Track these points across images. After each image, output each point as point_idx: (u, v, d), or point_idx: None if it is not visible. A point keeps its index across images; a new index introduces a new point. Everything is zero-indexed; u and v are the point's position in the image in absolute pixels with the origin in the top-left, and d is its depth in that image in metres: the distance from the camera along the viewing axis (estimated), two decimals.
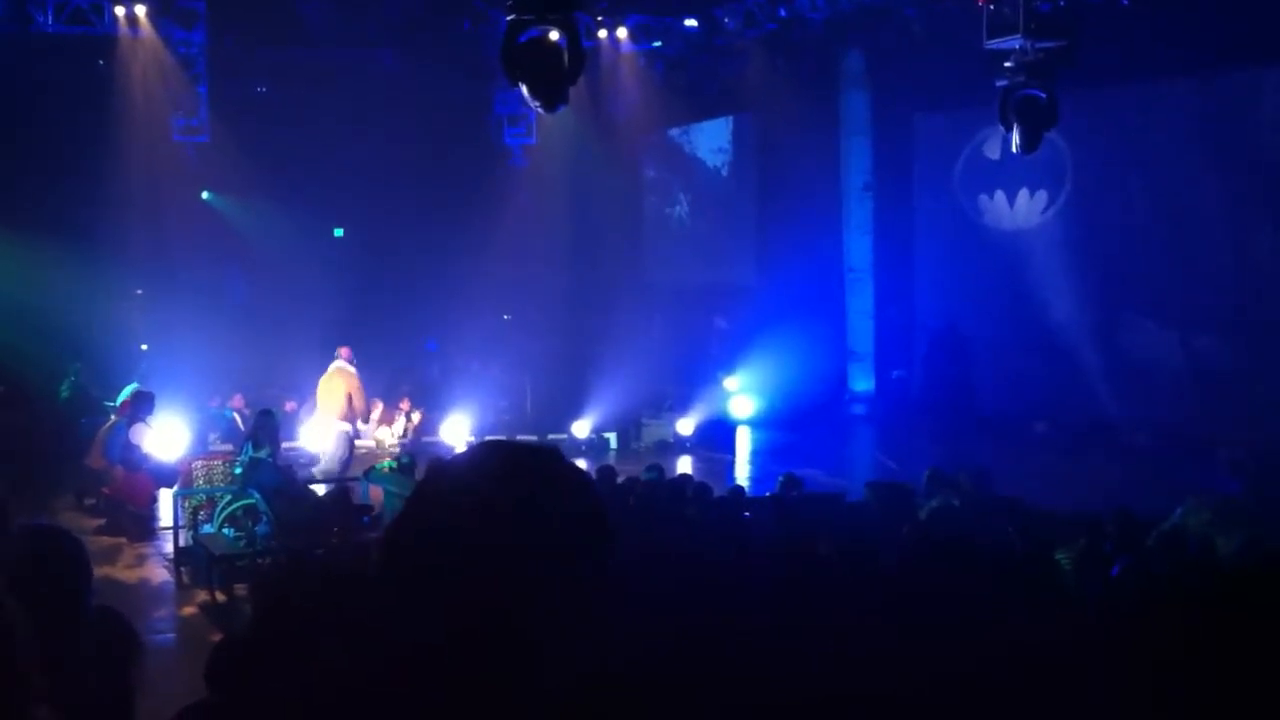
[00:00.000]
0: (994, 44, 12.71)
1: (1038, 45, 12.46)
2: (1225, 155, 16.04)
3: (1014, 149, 13.13)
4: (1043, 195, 18.36)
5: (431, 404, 18.51)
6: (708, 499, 10.29)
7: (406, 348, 19.08)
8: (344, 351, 15.31)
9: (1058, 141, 16.23)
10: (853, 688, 3.33)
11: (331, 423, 15.16)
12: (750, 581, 5.18)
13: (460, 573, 1.43)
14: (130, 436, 13.20)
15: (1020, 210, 18.74)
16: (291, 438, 16.80)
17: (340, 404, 15.02)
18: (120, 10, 17.61)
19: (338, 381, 15.07)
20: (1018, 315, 18.37)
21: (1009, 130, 12.86)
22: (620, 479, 11.40)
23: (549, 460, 1.55)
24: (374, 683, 1.44)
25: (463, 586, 1.43)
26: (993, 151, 18.59)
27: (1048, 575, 6.29)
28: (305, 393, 18.27)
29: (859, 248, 20.88)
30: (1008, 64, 12.68)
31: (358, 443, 17.70)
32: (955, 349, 19.46)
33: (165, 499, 12.79)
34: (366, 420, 16.05)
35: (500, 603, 1.42)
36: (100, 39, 17.95)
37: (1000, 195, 18.97)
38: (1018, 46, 12.52)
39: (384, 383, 18.96)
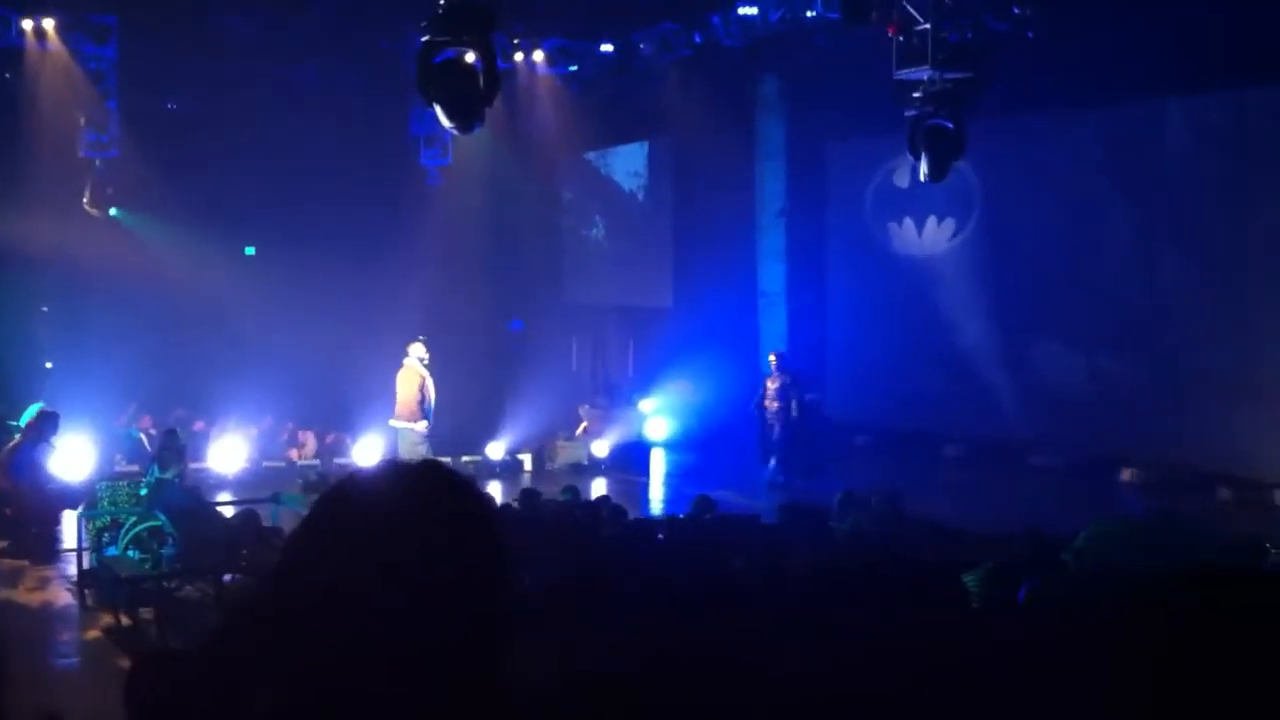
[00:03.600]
0: (903, 74, 12.95)
1: (946, 76, 12.71)
2: (1129, 184, 16.45)
3: (922, 178, 13.37)
4: (950, 222, 18.68)
5: (345, 425, 18.36)
6: (622, 521, 10.33)
7: (317, 368, 18.87)
8: (414, 347, 15.49)
9: (966, 170, 16.54)
10: (770, 704, 3.38)
11: (398, 424, 15.44)
12: (662, 603, 5.22)
13: (358, 586, 1.43)
14: (35, 457, 12.95)
15: (928, 237, 19.05)
16: (199, 458, 16.55)
17: (399, 404, 15.32)
18: (28, 23, 17.29)
19: (407, 381, 15.37)
20: (928, 339, 18.66)
21: (917, 159, 13.10)
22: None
23: (436, 474, 1.55)
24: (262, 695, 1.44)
25: (359, 600, 1.43)
26: (902, 180, 18.90)
27: (953, 596, 6.38)
28: (214, 413, 18.02)
29: (772, 272, 21.09)
30: (916, 94, 12.93)
31: (267, 463, 17.57)
32: (866, 372, 19.72)
33: (69, 520, 12.54)
34: (415, 419, 15.45)
35: (401, 618, 1.42)
36: (7, 51, 17.61)
37: (909, 222, 19.28)
38: (926, 77, 12.76)
39: (295, 404, 18.75)
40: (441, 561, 1.46)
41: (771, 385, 16.91)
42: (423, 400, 15.34)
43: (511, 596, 1.54)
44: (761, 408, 17.10)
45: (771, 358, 17.08)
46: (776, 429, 16.74)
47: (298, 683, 1.43)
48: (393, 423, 15.60)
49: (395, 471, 1.56)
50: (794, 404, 16.71)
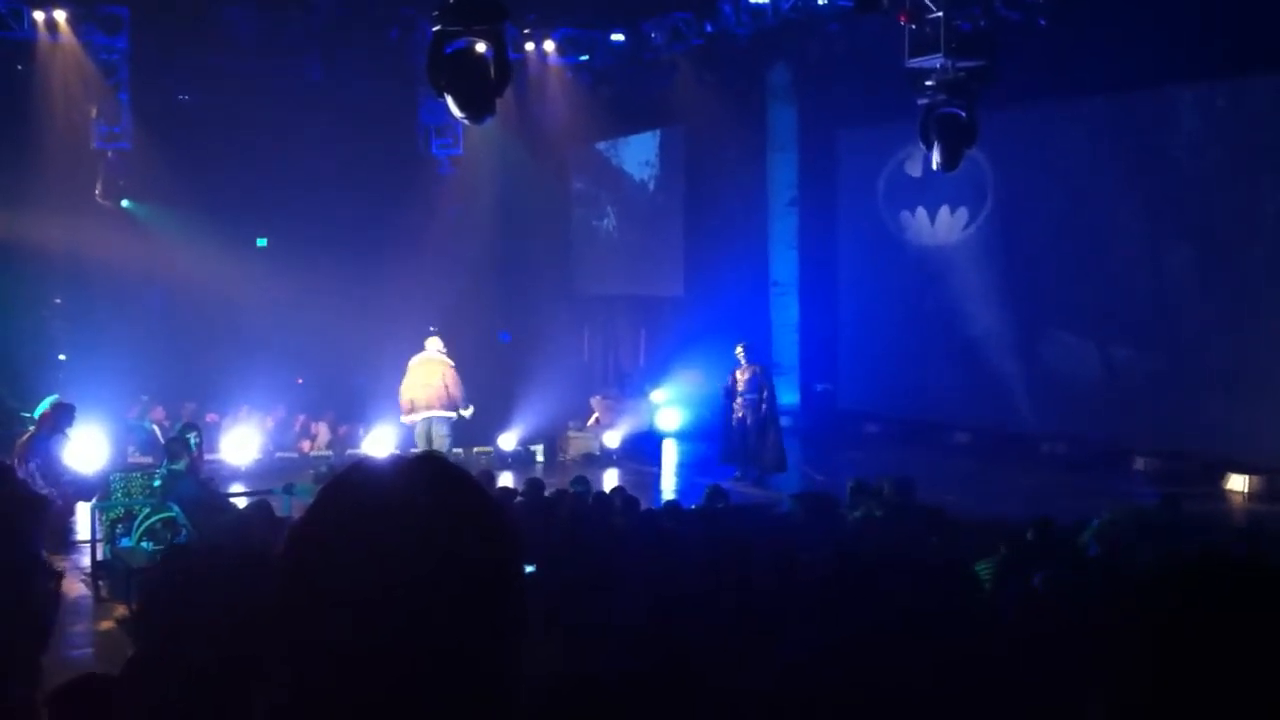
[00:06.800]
0: (915, 63, 12.90)
1: (958, 64, 12.66)
2: (1141, 173, 16.37)
3: (934, 167, 13.33)
4: (964, 212, 18.63)
5: (357, 417, 18.39)
6: (635, 512, 10.34)
7: (329, 360, 18.91)
8: (430, 341, 15.78)
9: (978, 159, 16.48)
10: (783, 695, 3.38)
11: (432, 414, 15.65)
12: (672, 598, 5.23)
13: (359, 582, 1.42)
14: (49, 448, 12.98)
15: (941, 227, 19.00)
16: (213, 449, 16.59)
17: (440, 393, 15.57)
18: (40, 15, 17.33)
19: (434, 370, 15.55)
20: (939, 329, 18.63)
21: (930, 148, 13.05)
22: (548, 492, 11.41)
23: (446, 470, 1.54)
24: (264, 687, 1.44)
25: (364, 590, 1.41)
26: (914, 169, 18.85)
27: (966, 586, 6.39)
28: (227, 404, 18.05)
29: (784, 262, 21.09)
30: (928, 83, 12.88)
31: (280, 454, 17.61)
32: (877, 361, 19.70)
33: (83, 512, 12.58)
34: (447, 408, 15.77)
35: (405, 616, 1.41)
36: (19, 44, 17.65)
37: (922, 212, 19.23)
38: (938, 65, 12.72)
39: (308, 395, 18.79)
40: (446, 557, 1.44)
41: (741, 376, 16.20)
42: (449, 389, 15.59)
43: (520, 594, 1.53)
44: (730, 400, 16.22)
45: (739, 348, 16.27)
46: (748, 422, 16.15)
47: (298, 682, 1.42)
48: (428, 414, 15.75)
49: (398, 464, 1.55)
50: (764, 397, 16.08)
